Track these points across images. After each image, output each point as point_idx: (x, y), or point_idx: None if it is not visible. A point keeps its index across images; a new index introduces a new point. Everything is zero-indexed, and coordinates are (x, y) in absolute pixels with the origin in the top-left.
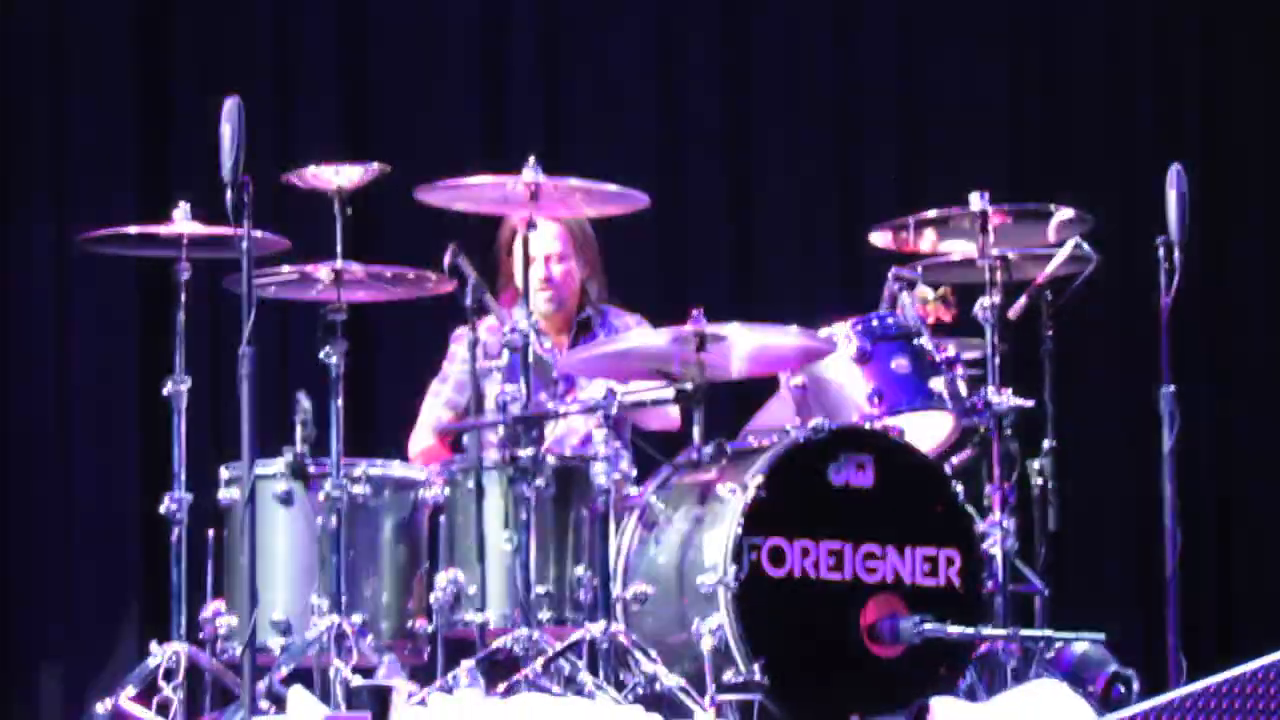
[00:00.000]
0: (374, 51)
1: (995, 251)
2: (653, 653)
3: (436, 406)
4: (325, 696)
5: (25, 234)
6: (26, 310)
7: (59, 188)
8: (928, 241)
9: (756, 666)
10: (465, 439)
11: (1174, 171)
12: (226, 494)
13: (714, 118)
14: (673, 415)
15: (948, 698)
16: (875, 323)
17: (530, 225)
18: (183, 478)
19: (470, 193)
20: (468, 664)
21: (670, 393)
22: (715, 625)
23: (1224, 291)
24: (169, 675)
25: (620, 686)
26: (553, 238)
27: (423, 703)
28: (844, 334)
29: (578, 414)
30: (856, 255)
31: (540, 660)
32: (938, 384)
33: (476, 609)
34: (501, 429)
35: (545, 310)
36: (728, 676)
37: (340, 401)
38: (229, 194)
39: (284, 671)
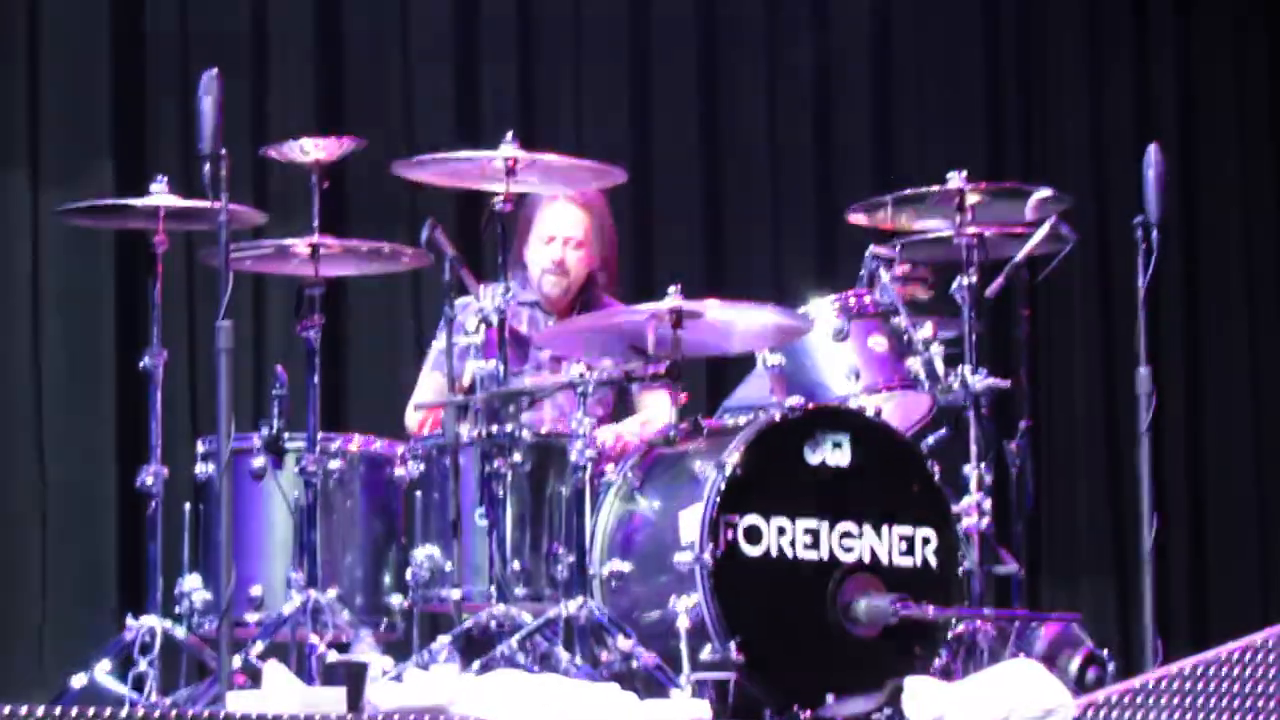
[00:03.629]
0: (350, 25)
1: (972, 230)
2: (629, 630)
3: (431, 375)
4: (300, 671)
5: (1, 206)
6: (2, 282)
7: (36, 160)
8: (905, 220)
9: (732, 645)
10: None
11: (1152, 151)
12: (203, 468)
13: (689, 92)
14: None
15: (923, 677)
16: (853, 301)
17: (508, 202)
18: (159, 451)
19: (447, 168)
20: (443, 640)
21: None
22: (691, 603)
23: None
24: (144, 649)
25: (596, 663)
26: (574, 223)
27: (398, 678)
28: (821, 312)
29: (553, 391)
30: (833, 233)
31: (516, 637)
32: (915, 363)
33: (452, 585)
34: (478, 405)
35: (551, 293)
36: (704, 655)
37: (317, 376)
38: (206, 167)
39: (259, 646)
